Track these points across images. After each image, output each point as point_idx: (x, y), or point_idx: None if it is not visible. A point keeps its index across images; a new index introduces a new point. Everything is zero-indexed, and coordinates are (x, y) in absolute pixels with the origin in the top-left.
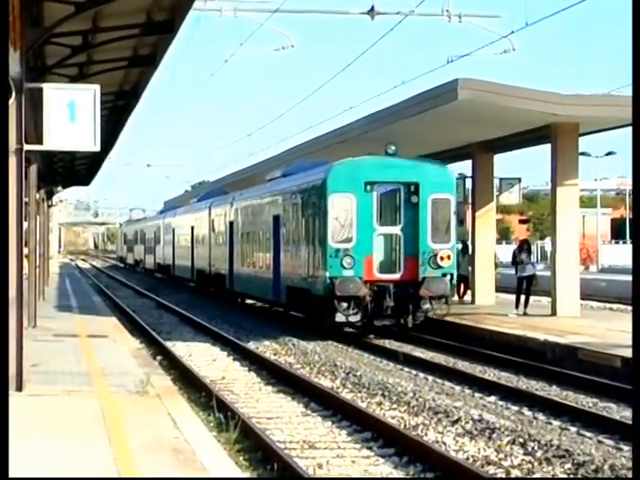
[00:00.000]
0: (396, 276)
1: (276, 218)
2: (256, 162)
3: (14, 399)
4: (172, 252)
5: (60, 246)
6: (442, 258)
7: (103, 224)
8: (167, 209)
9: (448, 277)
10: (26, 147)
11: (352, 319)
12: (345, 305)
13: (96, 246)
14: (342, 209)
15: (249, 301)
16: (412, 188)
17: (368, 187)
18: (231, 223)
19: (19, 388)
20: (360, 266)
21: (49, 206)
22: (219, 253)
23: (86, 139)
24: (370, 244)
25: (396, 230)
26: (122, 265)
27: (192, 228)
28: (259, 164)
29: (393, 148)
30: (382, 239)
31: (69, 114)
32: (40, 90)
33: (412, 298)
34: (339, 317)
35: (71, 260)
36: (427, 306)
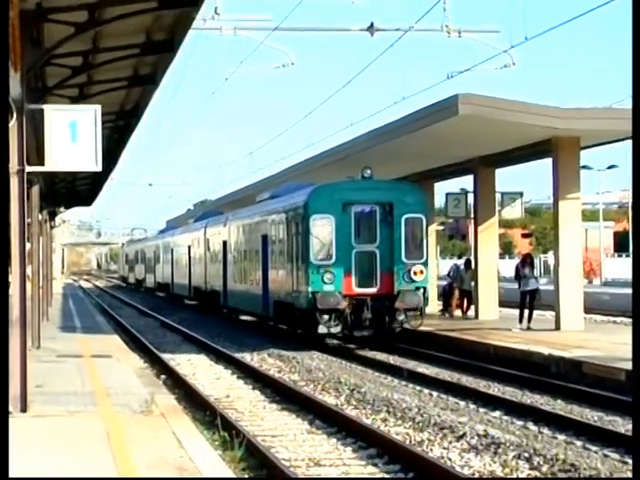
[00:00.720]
0: (373, 290)
1: (264, 237)
2: (250, 183)
3: (19, 420)
4: (171, 271)
5: (63, 267)
6: (415, 273)
7: (106, 244)
8: (166, 229)
9: (421, 290)
10: (28, 168)
11: (333, 330)
12: (326, 317)
13: (99, 266)
14: (322, 229)
15: (248, 318)
16: (387, 208)
17: (346, 208)
18: (224, 242)
19: (23, 409)
20: (340, 281)
21: (52, 227)
22: (214, 271)
23: (87, 159)
24: (349, 261)
25: (372, 247)
26: (124, 284)
27: (189, 247)
28: (252, 185)
29: (369, 172)
30: (360, 256)
31: (70, 135)
32: (41, 111)
33: (388, 310)
34: (321, 329)
35: (74, 281)
36: (402, 317)
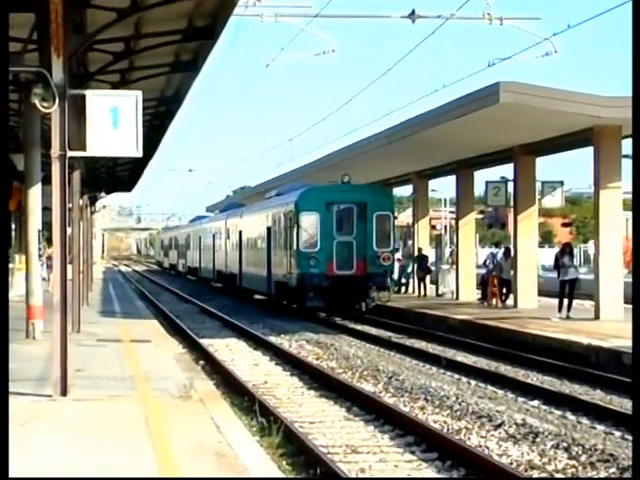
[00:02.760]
0: (351, 272)
1: (268, 229)
2: (269, 179)
3: (59, 403)
4: (199, 256)
5: (103, 252)
6: (384, 259)
7: (146, 229)
8: (196, 219)
9: (388, 272)
10: (69, 153)
11: (317, 304)
12: (312, 294)
13: (139, 251)
14: (309, 223)
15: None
16: (362, 207)
17: (329, 207)
18: (240, 232)
19: (64, 393)
20: (323, 265)
21: (92, 212)
22: (232, 257)
23: (128, 145)
24: (331, 249)
25: (350, 238)
26: (160, 269)
27: (213, 235)
28: (267, 182)
29: (347, 178)
30: (340, 245)
31: (112, 120)
32: (83, 96)
33: (363, 289)
34: (308, 303)
35: (114, 265)
36: (374, 294)
